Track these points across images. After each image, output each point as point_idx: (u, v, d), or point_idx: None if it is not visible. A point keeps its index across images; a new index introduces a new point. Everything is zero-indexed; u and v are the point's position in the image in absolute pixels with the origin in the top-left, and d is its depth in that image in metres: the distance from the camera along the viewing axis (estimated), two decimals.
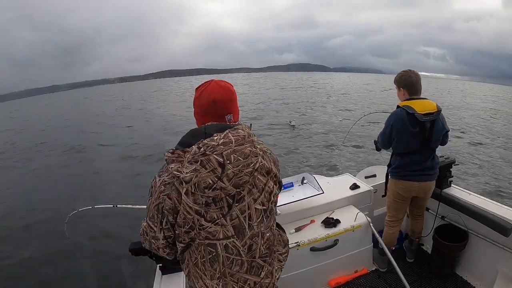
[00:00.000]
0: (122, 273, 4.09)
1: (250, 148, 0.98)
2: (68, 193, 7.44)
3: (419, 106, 2.06)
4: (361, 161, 7.40)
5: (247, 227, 1.03)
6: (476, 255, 2.25)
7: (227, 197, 0.98)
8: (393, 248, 2.44)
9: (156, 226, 1.05)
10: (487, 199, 2.26)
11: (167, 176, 0.99)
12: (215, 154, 0.93)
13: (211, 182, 0.93)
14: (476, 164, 6.92)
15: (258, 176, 1.03)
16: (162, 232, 1.06)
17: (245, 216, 1.02)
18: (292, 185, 2.58)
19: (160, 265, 1.92)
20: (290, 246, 2.07)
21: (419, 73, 2.18)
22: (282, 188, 2.45)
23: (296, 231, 2.25)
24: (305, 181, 2.63)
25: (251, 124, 1.12)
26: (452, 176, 2.45)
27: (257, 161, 0.99)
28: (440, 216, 2.41)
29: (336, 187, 2.64)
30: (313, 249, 2.17)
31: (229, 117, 1.11)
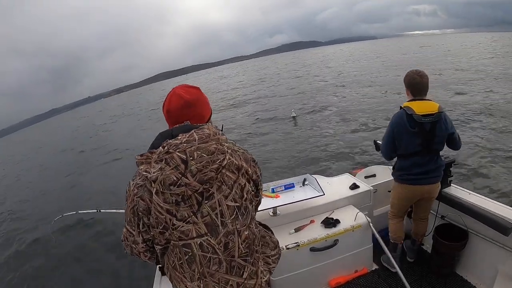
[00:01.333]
0: (122, 274, 4.10)
1: (215, 146, 0.99)
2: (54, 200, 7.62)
3: (418, 107, 2.06)
4: (361, 161, 7.39)
5: (220, 224, 1.04)
6: (476, 255, 2.25)
7: (195, 194, 0.99)
8: (401, 243, 2.47)
9: (134, 230, 1.07)
10: (487, 198, 2.25)
11: (139, 179, 1.03)
12: (177, 152, 0.95)
13: (175, 178, 0.95)
14: (477, 161, 6.92)
15: (227, 173, 1.04)
16: (140, 235, 1.07)
17: (216, 213, 1.03)
18: (293, 186, 2.58)
19: (160, 265, 1.92)
20: (290, 246, 2.09)
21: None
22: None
23: (296, 231, 2.25)
24: (306, 182, 2.63)
25: (222, 125, 1.16)
26: (452, 176, 2.45)
27: (224, 158, 1.00)
28: (440, 216, 2.41)
29: (336, 187, 2.64)
30: (313, 249, 2.17)
31: (186, 123, 1.11)
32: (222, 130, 1.12)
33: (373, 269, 2.47)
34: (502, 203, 2.16)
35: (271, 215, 2.34)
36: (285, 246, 2.10)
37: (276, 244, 1.33)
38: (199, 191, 0.99)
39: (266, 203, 2.31)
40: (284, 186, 2.56)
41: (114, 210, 2.41)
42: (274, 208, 2.34)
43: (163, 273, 1.89)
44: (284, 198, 2.41)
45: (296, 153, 8.77)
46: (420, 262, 2.49)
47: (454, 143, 2.21)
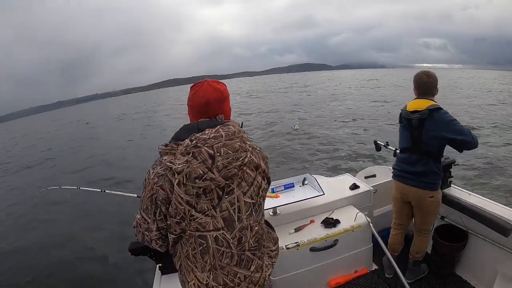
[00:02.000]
0: (122, 273, 4.10)
1: (239, 143, 1.03)
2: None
3: (412, 104, 2.12)
4: (361, 161, 7.40)
5: (236, 219, 1.08)
6: (476, 255, 2.25)
7: (217, 188, 1.02)
8: (395, 255, 2.38)
9: (149, 218, 1.09)
10: (487, 199, 2.25)
11: (160, 168, 1.04)
12: (206, 146, 0.98)
13: (201, 172, 0.98)
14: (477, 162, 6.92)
15: (247, 171, 1.08)
16: (155, 223, 1.09)
17: (234, 209, 1.07)
18: (293, 186, 2.58)
19: (160, 265, 1.92)
20: (290, 246, 2.10)
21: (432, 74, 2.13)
22: (271, 185, 2.49)
23: (296, 231, 2.25)
24: (306, 182, 2.63)
25: (242, 122, 1.18)
26: (452, 176, 2.45)
27: (246, 156, 1.04)
28: (439, 216, 2.41)
29: (336, 187, 2.64)
30: (312, 249, 2.17)
31: (220, 117, 1.15)
32: (241, 127, 1.14)
33: (372, 269, 2.47)
34: (502, 204, 2.16)
35: (271, 215, 2.34)
36: (285, 246, 2.10)
37: (276, 241, 1.39)
38: (221, 186, 1.02)
39: (266, 203, 2.29)
40: (284, 186, 2.55)
41: (120, 193, 2.45)
42: (274, 208, 2.34)
43: (163, 273, 1.91)
44: (284, 198, 2.41)
45: (296, 153, 8.78)
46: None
47: (461, 146, 2.05)
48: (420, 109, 2.05)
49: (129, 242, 1.76)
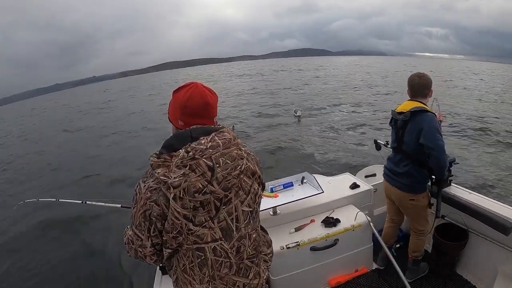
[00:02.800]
0: (122, 273, 4.09)
1: (236, 151, 1.00)
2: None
3: (402, 106, 2.16)
4: (361, 160, 7.39)
5: (234, 229, 1.04)
6: (476, 254, 2.25)
7: (215, 200, 0.98)
8: (389, 244, 2.47)
9: (143, 234, 1.03)
10: (487, 197, 2.25)
11: (152, 181, 0.97)
12: (204, 158, 0.93)
13: (201, 186, 0.93)
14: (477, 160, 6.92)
15: (244, 178, 1.04)
16: (149, 240, 1.03)
17: (232, 218, 1.03)
18: (292, 185, 2.58)
19: (160, 265, 1.92)
20: (290, 245, 2.09)
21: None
22: (270, 184, 2.53)
23: (296, 231, 2.25)
24: (305, 181, 2.62)
25: (233, 126, 1.15)
26: (452, 175, 2.45)
27: (242, 164, 1.01)
28: (440, 215, 2.41)
29: (336, 187, 2.64)
30: (313, 249, 2.17)
31: (216, 119, 1.12)
32: (233, 131, 1.11)
33: (373, 268, 2.47)
34: (503, 203, 2.16)
35: (271, 215, 2.34)
36: (286, 246, 2.10)
37: (270, 243, 1.36)
38: (219, 197, 0.98)
39: (266, 203, 2.30)
40: (283, 185, 2.55)
41: (102, 204, 2.33)
42: (274, 207, 2.33)
43: (163, 273, 1.91)
44: (283, 197, 2.41)
45: (295, 151, 8.77)
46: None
47: (432, 159, 2.00)
48: (405, 111, 2.08)
49: None
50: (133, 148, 10.59)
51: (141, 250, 1.07)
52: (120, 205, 2.20)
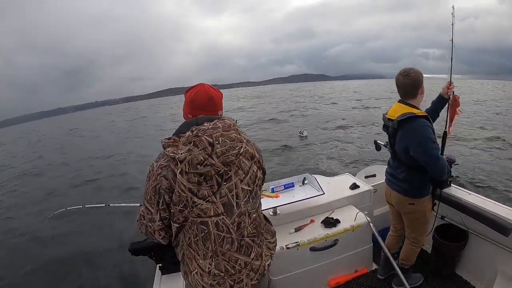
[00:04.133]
0: (122, 273, 4.10)
1: (235, 134, 1.14)
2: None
3: (391, 109, 2.00)
4: (361, 160, 7.39)
5: (235, 205, 1.15)
6: (476, 255, 2.25)
7: (216, 175, 1.10)
8: (391, 253, 2.32)
9: (153, 208, 1.15)
10: (487, 198, 2.25)
11: (164, 160, 1.13)
12: (205, 135, 1.08)
13: (202, 159, 1.06)
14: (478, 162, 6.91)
15: (243, 160, 1.16)
16: (158, 213, 1.15)
17: (232, 195, 1.14)
18: (293, 185, 2.58)
19: (160, 265, 1.92)
20: (290, 246, 2.10)
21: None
22: (271, 185, 2.55)
23: (296, 231, 2.25)
24: (306, 182, 2.63)
25: (236, 120, 1.26)
26: (452, 176, 2.45)
27: (241, 146, 1.14)
28: (440, 216, 2.41)
29: (336, 187, 2.64)
30: (313, 249, 2.17)
31: (221, 112, 1.29)
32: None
33: (373, 269, 2.47)
34: (502, 204, 2.16)
35: (271, 215, 2.34)
36: (285, 246, 2.10)
37: (273, 233, 1.45)
38: (220, 172, 1.10)
39: (266, 203, 2.31)
40: (284, 185, 2.55)
41: (123, 204, 2.52)
42: (274, 208, 2.33)
43: (163, 273, 1.91)
44: (284, 198, 2.41)
45: (296, 152, 8.77)
46: (420, 262, 2.49)
47: (429, 169, 1.87)
48: (392, 118, 1.93)
49: (129, 242, 1.76)
50: None
51: (150, 225, 1.18)
52: (139, 204, 2.28)
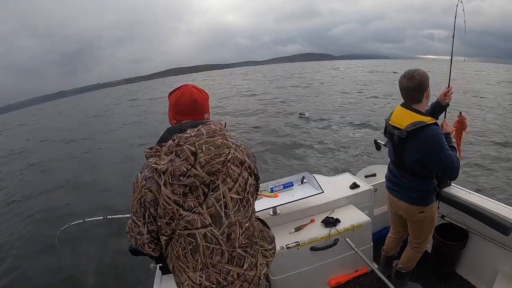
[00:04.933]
0: (122, 273, 4.10)
1: (221, 140, 1.06)
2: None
3: (395, 114, 1.90)
4: (361, 160, 7.39)
5: (223, 215, 1.09)
6: (476, 254, 2.25)
7: (202, 185, 1.05)
8: (389, 255, 2.34)
9: (139, 221, 1.11)
10: (487, 198, 2.25)
11: (147, 171, 1.07)
12: (187, 144, 1.01)
13: (185, 169, 1.00)
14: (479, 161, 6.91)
15: (232, 167, 1.10)
16: (145, 226, 1.11)
17: (220, 205, 1.08)
18: (292, 185, 2.58)
19: (160, 265, 1.92)
20: (290, 245, 2.09)
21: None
22: (270, 184, 2.52)
23: (296, 231, 2.25)
24: (305, 181, 2.62)
25: (225, 123, 1.20)
26: None
27: (229, 152, 1.06)
28: (440, 215, 2.41)
29: (336, 187, 2.64)
30: (313, 249, 2.17)
31: (206, 115, 1.20)
32: (225, 127, 1.16)
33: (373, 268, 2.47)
34: (502, 203, 2.16)
35: (271, 215, 2.34)
36: (286, 245, 2.10)
37: (272, 239, 1.39)
38: (206, 182, 1.04)
39: (266, 202, 2.31)
40: (283, 185, 2.55)
41: (121, 216, 2.42)
42: (274, 207, 2.33)
43: (163, 273, 1.90)
44: (283, 197, 2.41)
45: (297, 151, 8.77)
46: (420, 262, 2.49)
47: (442, 175, 1.88)
48: (400, 127, 1.82)
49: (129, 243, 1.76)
50: None
51: (139, 238, 1.14)
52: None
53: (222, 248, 1.11)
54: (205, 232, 1.08)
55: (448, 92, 1.95)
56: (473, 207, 2.16)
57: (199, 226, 1.07)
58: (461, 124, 2.02)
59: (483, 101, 15.92)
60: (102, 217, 2.55)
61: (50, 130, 21.04)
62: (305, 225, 2.30)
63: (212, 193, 1.07)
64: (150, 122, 17.16)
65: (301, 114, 12.55)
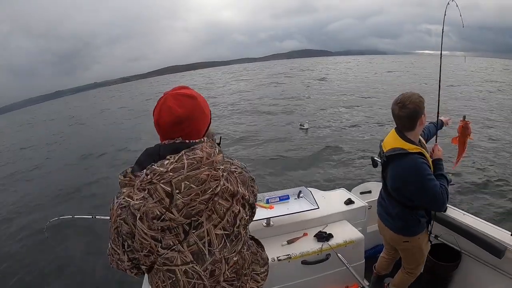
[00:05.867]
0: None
1: (207, 172, 0.91)
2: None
3: (386, 139, 1.85)
4: (357, 176, 7.39)
5: (207, 253, 0.98)
6: (469, 276, 2.23)
7: (183, 224, 0.93)
8: (381, 274, 2.34)
9: (119, 249, 1.02)
10: (481, 219, 2.25)
11: (123, 199, 0.94)
12: (162, 183, 0.87)
13: (158, 213, 0.88)
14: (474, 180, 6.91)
15: (219, 201, 0.96)
16: (125, 254, 1.02)
17: (204, 242, 0.97)
18: (288, 198, 2.58)
19: None
20: (281, 258, 2.08)
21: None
22: (266, 196, 2.50)
23: (288, 243, 2.23)
24: (301, 195, 2.62)
25: (220, 137, 1.07)
26: None
27: (217, 185, 0.93)
28: (433, 235, 2.40)
29: (330, 201, 2.63)
30: (304, 262, 2.15)
31: (202, 133, 1.02)
32: (219, 144, 1.05)
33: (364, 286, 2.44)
34: (496, 225, 2.16)
35: (264, 226, 2.33)
36: (277, 258, 2.08)
37: (266, 261, 1.29)
38: (186, 223, 0.94)
39: (260, 213, 2.30)
40: (279, 197, 2.55)
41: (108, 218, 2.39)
42: (268, 219, 2.33)
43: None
44: (278, 210, 2.40)
45: (293, 163, 8.77)
46: (412, 282, 2.46)
47: (428, 206, 1.80)
48: (384, 150, 1.78)
49: None
50: None
51: (120, 263, 1.06)
52: None
53: (205, 283, 1.00)
54: (186, 268, 0.97)
55: (448, 121, 2.06)
56: (466, 228, 2.16)
57: (179, 263, 0.96)
58: (465, 129, 1.94)
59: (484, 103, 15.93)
60: (91, 216, 2.53)
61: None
62: (298, 238, 2.28)
63: (194, 231, 0.94)
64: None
65: (301, 126, 12.53)
